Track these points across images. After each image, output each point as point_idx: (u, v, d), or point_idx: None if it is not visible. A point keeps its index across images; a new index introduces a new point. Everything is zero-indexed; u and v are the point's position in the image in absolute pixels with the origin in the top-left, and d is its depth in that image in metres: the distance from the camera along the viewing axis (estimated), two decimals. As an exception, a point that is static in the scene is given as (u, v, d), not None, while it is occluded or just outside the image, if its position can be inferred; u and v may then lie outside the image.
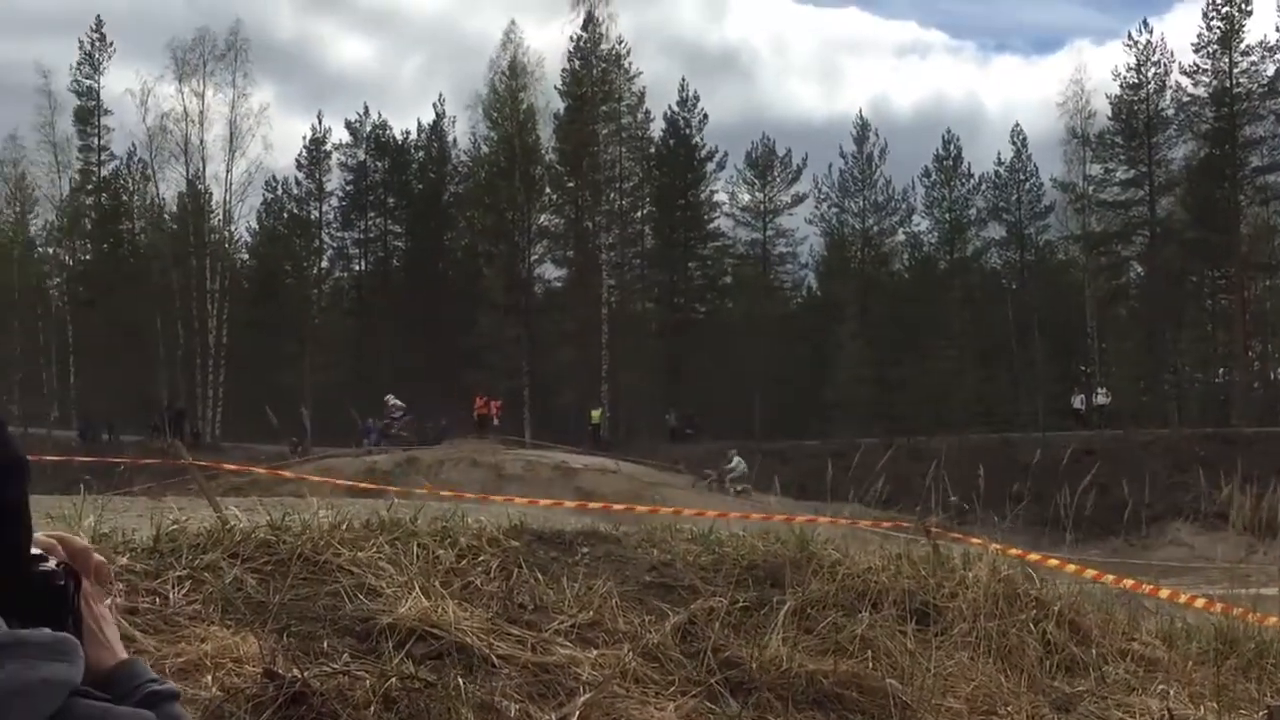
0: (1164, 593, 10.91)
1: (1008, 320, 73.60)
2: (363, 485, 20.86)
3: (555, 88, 77.11)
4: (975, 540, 10.50)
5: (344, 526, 7.24)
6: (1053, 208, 75.98)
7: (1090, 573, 10.61)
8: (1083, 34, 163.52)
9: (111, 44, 77.73)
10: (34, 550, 1.81)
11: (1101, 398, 65.93)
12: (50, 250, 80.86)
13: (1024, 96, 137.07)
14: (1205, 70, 71.43)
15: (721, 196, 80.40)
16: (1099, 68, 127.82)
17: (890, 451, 15.01)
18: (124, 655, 1.85)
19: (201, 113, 73.17)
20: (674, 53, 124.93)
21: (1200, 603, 10.78)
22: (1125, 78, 72.95)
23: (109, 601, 1.88)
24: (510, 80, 75.67)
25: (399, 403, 57.51)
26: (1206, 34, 71.07)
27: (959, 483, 13.63)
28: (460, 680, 5.69)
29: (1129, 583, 11.04)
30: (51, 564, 1.81)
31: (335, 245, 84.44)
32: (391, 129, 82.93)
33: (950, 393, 67.16)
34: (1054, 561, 10.46)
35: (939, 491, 12.29)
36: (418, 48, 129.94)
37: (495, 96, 76.16)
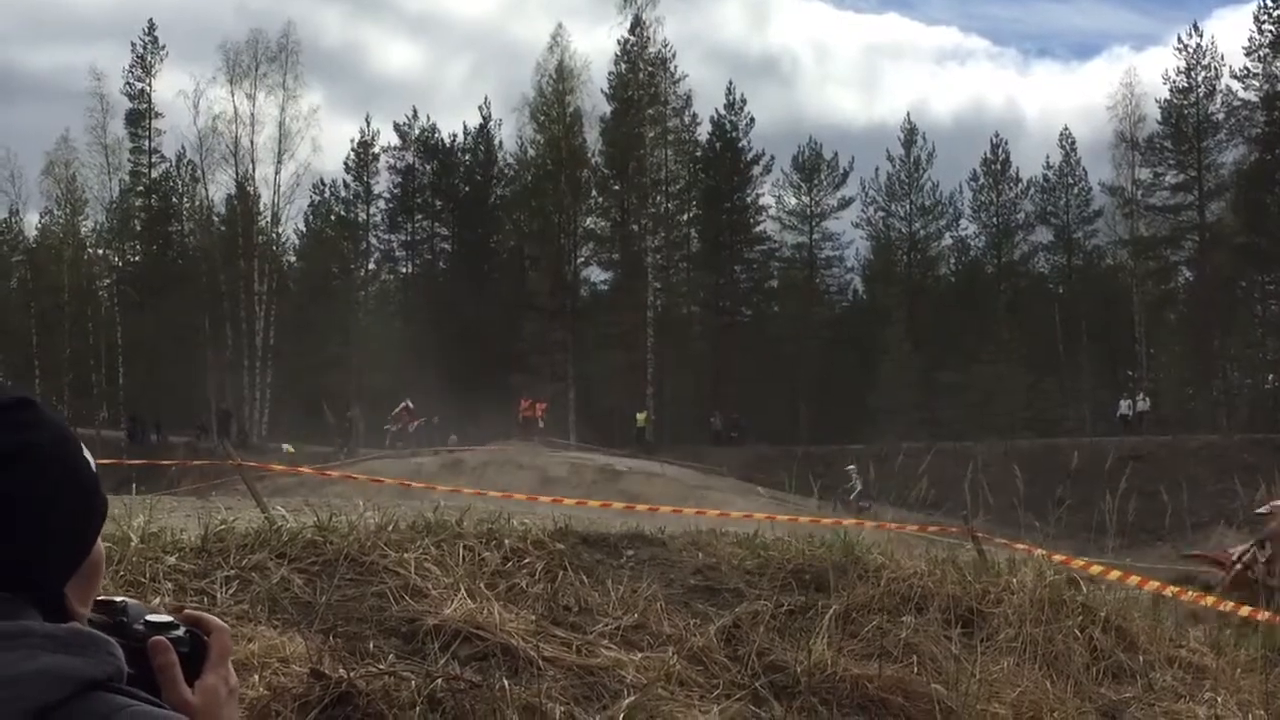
0: (1208, 600, 10.84)
1: (1055, 325, 73.19)
2: (411, 484, 20.90)
3: (601, 91, 77.20)
4: (1020, 545, 10.46)
5: (390, 528, 7.27)
6: (1101, 212, 75.60)
7: (1135, 579, 10.55)
8: (1123, 40, 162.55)
9: (164, 47, 78.30)
10: (165, 617, 1.86)
11: (1142, 403, 65.46)
12: (100, 251, 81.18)
13: (1064, 102, 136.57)
14: (1256, 74, 70.93)
15: (768, 200, 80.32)
16: (1142, 72, 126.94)
17: (931, 455, 14.95)
18: None
19: (252, 115, 73.54)
20: (716, 59, 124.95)
21: (1245, 611, 10.70)
22: (1175, 82, 72.58)
23: (229, 687, 1.89)
24: (557, 83, 75.72)
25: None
26: (1258, 38, 70.59)
27: (1002, 487, 13.58)
28: (505, 682, 5.71)
29: (1173, 589, 10.97)
30: (180, 631, 1.85)
31: (382, 247, 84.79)
32: (439, 132, 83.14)
33: (997, 398, 66.84)
34: (1097, 568, 10.40)
35: (978, 495, 12.24)
36: (465, 51, 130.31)
37: (542, 99, 76.24)
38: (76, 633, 1.64)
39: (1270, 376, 74.26)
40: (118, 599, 1.88)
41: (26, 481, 1.69)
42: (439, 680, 5.57)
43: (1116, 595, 9.57)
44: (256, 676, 5.35)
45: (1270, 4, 70.47)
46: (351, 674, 5.40)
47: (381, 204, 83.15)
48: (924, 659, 7.42)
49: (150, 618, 1.85)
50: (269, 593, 6.17)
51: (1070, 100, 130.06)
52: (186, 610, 1.93)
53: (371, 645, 5.90)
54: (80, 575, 1.77)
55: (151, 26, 78.00)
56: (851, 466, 48.55)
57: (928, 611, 8.06)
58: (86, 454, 1.79)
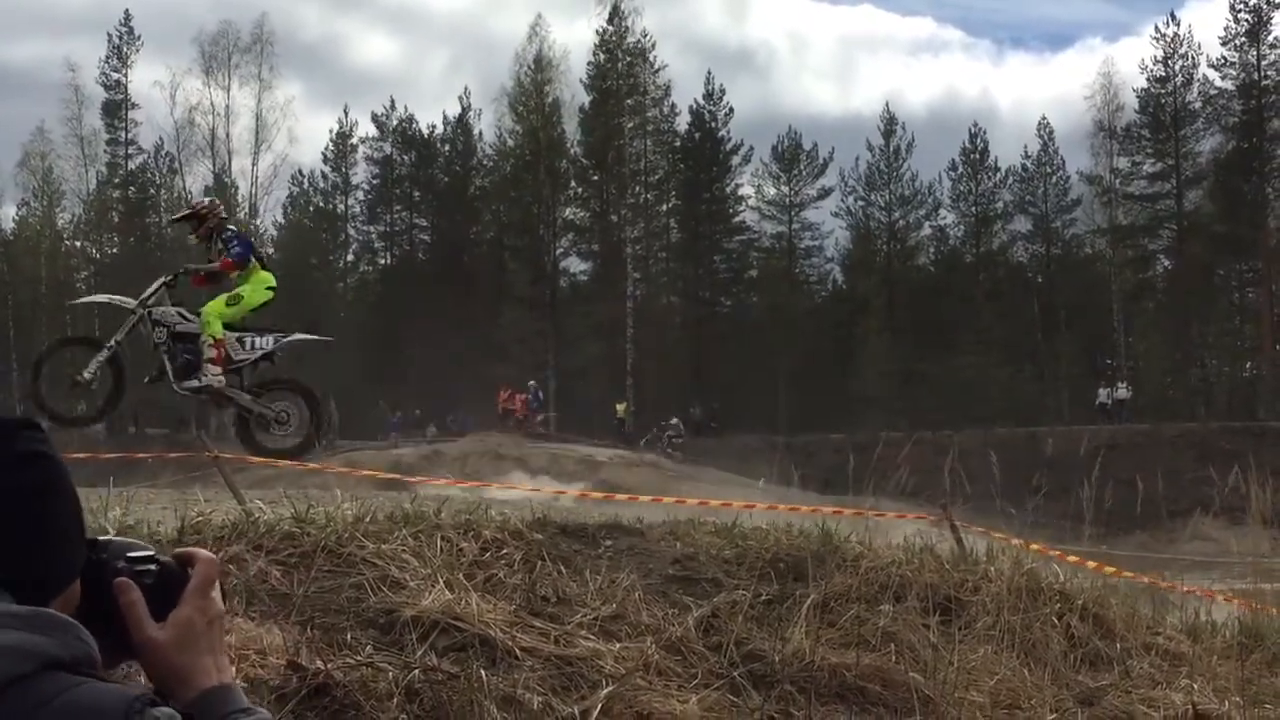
0: (1182, 588, 10.88)
1: (1034, 314, 73.41)
2: (388, 476, 20.91)
3: (580, 81, 77.30)
4: (998, 534, 10.50)
5: (368, 519, 7.25)
6: (1079, 201, 75.81)
7: (1109, 569, 10.60)
8: (1096, 30, 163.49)
9: (139, 38, 78.04)
10: (145, 552, 1.86)
11: (1122, 391, 65.71)
12: (77, 243, 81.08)
13: (1037, 93, 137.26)
14: (1233, 63, 71.28)
15: (747, 190, 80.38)
16: (1119, 62, 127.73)
17: (911, 444, 15.00)
18: (223, 679, 1.86)
19: (227, 106, 73.37)
20: (695, 50, 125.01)
21: (1220, 600, 10.75)
22: (1152, 71, 72.88)
23: (208, 617, 1.89)
24: (536, 74, 75.72)
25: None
26: (1234, 27, 70.92)
27: (980, 476, 13.61)
28: (483, 672, 5.71)
29: (1147, 579, 11.01)
30: (151, 565, 1.85)
31: (361, 239, 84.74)
32: (417, 123, 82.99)
33: (976, 387, 67.01)
34: (1073, 558, 10.44)
35: (955, 484, 12.27)
36: (443, 42, 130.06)
37: (521, 90, 76.21)
38: (43, 614, 1.66)
39: (1248, 364, 74.64)
40: (102, 538, 1.88)
41: (37, 484, 1.73)
42: (416, 671, 5.56)
43: (1094, 583, 9.61)
44: (234, 668, 5.34)
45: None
46: (329, 665, 5.40)
47: (360, 195, 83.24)
48: (902, 647, 7.44)
49: (131, 554, 1.85)
50: (246, 584, 6.15)
51: (1043, 91, 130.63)
52: (179, 549, 1.94)
53: (349, 636, 5.89)
54: (65, 598, 1.78)
55: (128, 17, 77.81)
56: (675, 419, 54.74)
57: (906, 600, 8.08)
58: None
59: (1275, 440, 47.82)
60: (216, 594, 1.91)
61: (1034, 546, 10.08)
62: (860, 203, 79.35)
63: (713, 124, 79.46)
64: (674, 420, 59.28)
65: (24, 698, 1.55)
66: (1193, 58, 72.49)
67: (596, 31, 77.40)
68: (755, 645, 7.04)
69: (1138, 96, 73.04)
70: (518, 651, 6.11)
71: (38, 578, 1.72)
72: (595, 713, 5.81)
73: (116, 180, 78.60)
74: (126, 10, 77.97)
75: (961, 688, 7.17)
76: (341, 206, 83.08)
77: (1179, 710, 7.47)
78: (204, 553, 1.93)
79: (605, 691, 5.97)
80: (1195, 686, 7.90)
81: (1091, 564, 10.33)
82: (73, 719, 1.58)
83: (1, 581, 1.68)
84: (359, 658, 5.65)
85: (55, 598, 1.75)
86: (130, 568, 1.83)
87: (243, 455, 14.26)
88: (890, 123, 78.72)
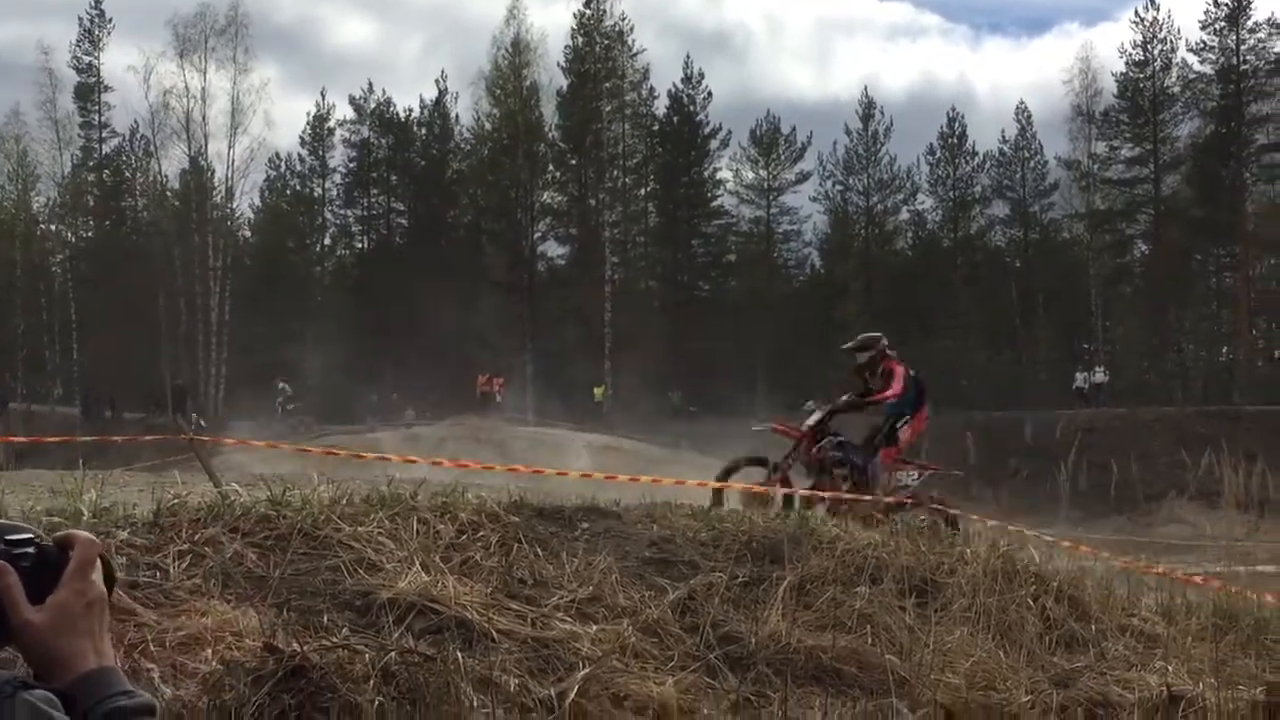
0: (1159, 569, 10.93)
1: (1012, 298, 73.47)
2: (365, 456, 20.85)
3: (558, 64, 77.02)
4: (975, 516, 10.52)
5: (344, 501, 7.24)
6: (1057, 185, 75.81)
7: (1084, 548, 10.63)
8: (1073, 15, 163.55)
9: (111, 20, 77.45)
10: (24, 534, 1.83)
11: (1099, 375, 65.87)
12: (53, 227, 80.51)
13: (1015, 78, 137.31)
14: (1212, 47, 71.34)
15: (725, 174, 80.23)
16: (1097, 46, 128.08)
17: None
18: (103, 662, 1.84)
19: (203, 89, 72.83)
20: (672, 33, 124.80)
21: (1197, 578, 10.79)
22: (1131, 55, 72.93)
23: (87, 600, 1.86)
24: (513, 57, 75.41)
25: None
26: (1213, 11, 70.95)
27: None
28: (459, 655, 5.71)
29: (1122, 560, 11.06)
30: (29, 547, 1.83)
31: (338, 222, 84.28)
32: (395, 105, 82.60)
33: (954, 371, 67.08)
34: (1048, 537, 10.48)
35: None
36: (420, 25, 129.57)
37: (498, 73, 75.90)
38: None
39: (1224, 349, 74.87)
40: None
41: None
42: (393, 653, 5.56)
43: (1069, 565, 9.64)
44: (210, 650, 5.34)
45: (1225, -23, 70.90)
46: (305, 648, 5.39)
47: (337, 178, 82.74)
48: (878, 629, 7.46)
49: (9, 536, 1.83)
50: (222, 567, 6.15)
51: (1021, 76, 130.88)
52: (59, 532, 1.91)
53: (325, 619, 5.89)
54: None
55: (98, 0, 77.27)
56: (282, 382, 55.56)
57: (882, 582, 8.10)
58: None
59: (1250, 424, 48.07)
60: (97, 576, 1.88)
61: (1012, 528, 10.11)
62: (838, 187, 79.32)
63: (691, 108, 79.35)
64: (281, 384, 59.42)
65: None
66: (1171, 42, 72.61)
67: (574, 14, 77.33)
68: (732, 627, 7.06)
69: (1116, 81, 73.09)
70: (494, 634, 6.12)
71: None
72: (572, 695, 5.81)
73: (91, 164, 78.15)
74: (97, -9, 77.46)
75: (937, 669, 7.19)
76: (319, 190, 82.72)
77: (1153, 692, 7.49)
78: (84, 534, 1.90)
79: (582, 673, 5.98)
80: (1170, 668, 7.93)
81: (1066, 543, 10.36)
82: None
83: None
84: (335, 640, 5.65)
85: None
86: (8, 550, 1.81)
87: (219, 438, 14.23)
88: (868, 107, 78.72)
